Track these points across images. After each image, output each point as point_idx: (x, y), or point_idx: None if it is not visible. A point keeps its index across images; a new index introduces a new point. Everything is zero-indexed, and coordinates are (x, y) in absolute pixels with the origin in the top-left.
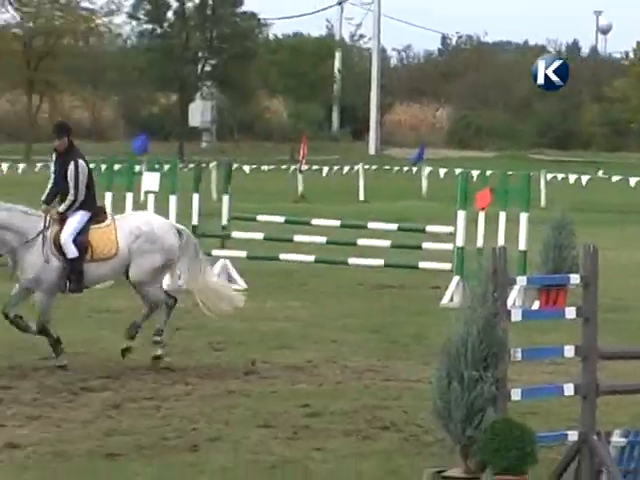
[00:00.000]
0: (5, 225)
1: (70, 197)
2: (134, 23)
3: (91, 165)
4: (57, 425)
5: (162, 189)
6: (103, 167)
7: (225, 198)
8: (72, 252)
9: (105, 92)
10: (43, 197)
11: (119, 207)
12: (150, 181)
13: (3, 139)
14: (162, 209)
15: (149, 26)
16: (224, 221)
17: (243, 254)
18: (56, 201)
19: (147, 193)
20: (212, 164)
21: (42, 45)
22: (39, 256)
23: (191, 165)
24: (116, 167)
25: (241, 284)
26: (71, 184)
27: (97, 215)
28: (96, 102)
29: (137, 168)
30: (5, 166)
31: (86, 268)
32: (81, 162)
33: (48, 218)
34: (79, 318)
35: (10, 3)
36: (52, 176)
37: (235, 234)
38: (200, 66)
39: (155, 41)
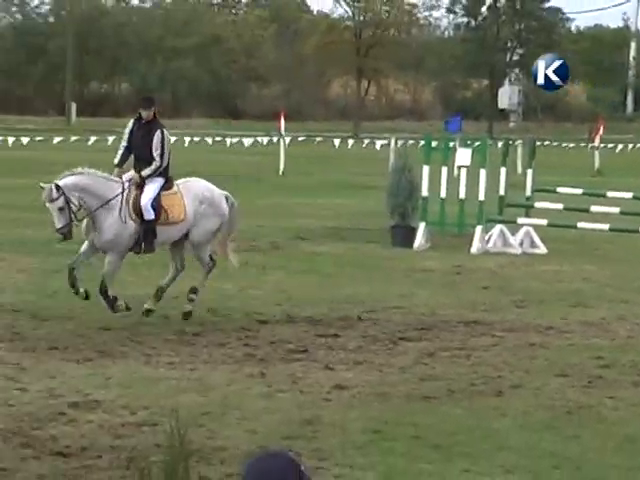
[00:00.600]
0: (87, 189)
1: (156, 163)
2: (451, 17)
3: (410, 142)
4: (378, 370)
5: (473, 163)
6: (421, 143)
7: (529, 172)
8: (150, 215)
9: (424, 78)
10: (116, 160)
11: (435, 179)
12: (463, 156)
13: (335, 117)
14: (472, 182)
15: (465, 19)
16: (528, 192)
17: (544, 222)
18: (125, 165)
19: (460, 167)
20: (518, 142)
21: (370, 36)
22: (117, 218)
23: (499, 143)
24: (433, 144)
25: (542, 249)
26: (157, 152)
27: (168, 182)
28: (416, 86)
29: (451, 145)
30: (337, 141)
31: (158, 231)
32: (166, 131)
33: (127, 182)
34: (397, 277)
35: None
36: (125, 141)
37: (538, 204)
38: (509, 55)
39: (469, 32)
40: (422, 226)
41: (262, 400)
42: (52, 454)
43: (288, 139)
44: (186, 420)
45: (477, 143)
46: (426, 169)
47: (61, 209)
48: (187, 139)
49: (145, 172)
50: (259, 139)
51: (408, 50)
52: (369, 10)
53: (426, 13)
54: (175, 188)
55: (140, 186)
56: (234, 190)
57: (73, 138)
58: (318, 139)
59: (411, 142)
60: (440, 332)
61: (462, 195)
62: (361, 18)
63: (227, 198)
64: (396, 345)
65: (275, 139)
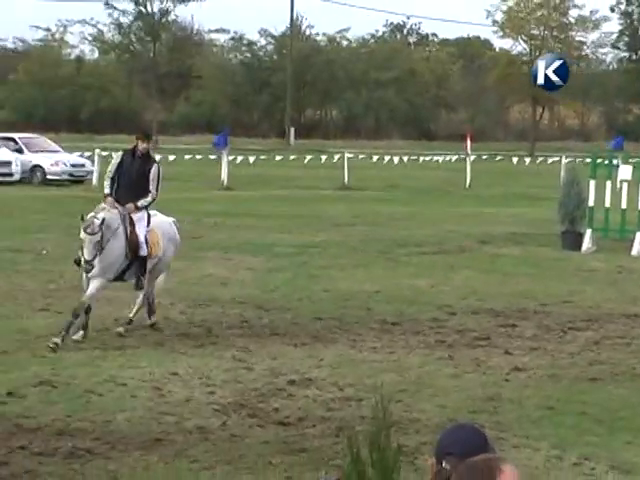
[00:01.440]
0: (106, 222)
1: (152, 195)
2: (615, 51)
3: (578, 159)
4: (551, 355)
5: (634, 178)
6: (588, 160)
7: None
8: (144, 251)
9: (591, 104)
10: (108, 190)
11: (600, 192)
12: (625, 171)
13: (513, 138)
14: (633, 193)
15: (627, 54)
16: None
17: None
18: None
19: (622, 181)
20: None
21: None
22: (121, 248)
23: None
24: (598, 161)
25: None
26: (154, 184)
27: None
28: (584, 112)
29: (615, 162)
30: (515, 159)
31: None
32: (160, 166)
33: (124, 212)
34: (567, 276)
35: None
36: (113, 172)
37: None
38: None
39: (631, 65)
40: (589, 232)
41: (450, 379)
42: (274, 423)
43: (473, 157)
44: (386, 396)
45: (637, 160)
46: (592, 183)
47: (96, 242)
48: (387, 157)
49: (141, 203)
50: (448, 157)
51: (577, 80)
52: (544, 47)
53: (594, 50)
54: (151, 225)
55: (131, 218)
56: (428, 201)
57: (291, 157)
58: (499, 157)
59: (579, 160)
60: (604, 323)
61: (624, 205)
62: (536, 54)
63: (175, 224)
64: (566, 334)
65: (462, 157)
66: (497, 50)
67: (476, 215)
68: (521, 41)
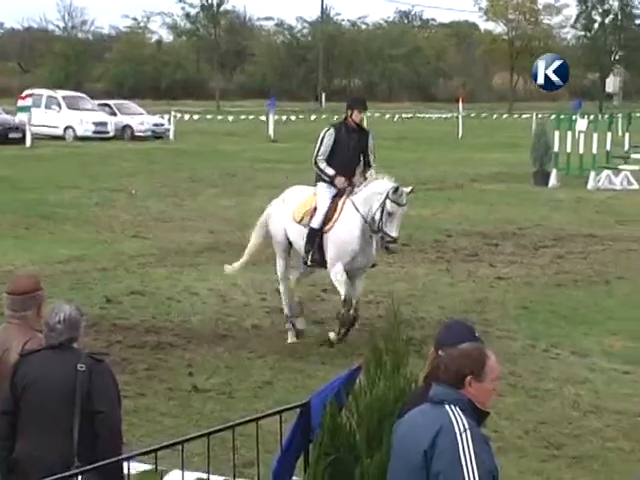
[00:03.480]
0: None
1: (374, 168)
2: (574, 31)
3: (546, 116)
4: (526, 267)
5: (588, 129)
6: (553, 116)
7: (627, 135)
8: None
9: None
10: (332, 171)
11: (563, 140)
12: (582, 125)
13: (496, 100)
14: (588, 141)
15: (582, 33)
16: (626, 148)
17: (638, 168)
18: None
19: (579, 132)
20: (619, 115)
21: (519, 45)
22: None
23: (606, 115)
24: (561, 116)
25: (636, 186)
26: (372, 156)
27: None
28: None
29: (574, 117)
30: (495, 116)
31: None
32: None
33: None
34: (538, 205)
35: None
36: (329, 147)
37: (633, 156)
38: (612, 56)
39: (587, 41)
40: (554, 171)
41: (448, 287)
42: (312, 322)
43: (464, 114)
44: (398, 300)
45: (592, 116)
46: (557, 133)
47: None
48: (397, 116)
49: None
50: (445, 115)
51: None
52: (519, 29)
53: (557, 30)
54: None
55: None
56: (430, 149)
57: (323, 116)
58: (484, 114)
59: (546, 116)
60: (567, 242)
61: (581, 150)
62: (513, 34)
63: None
64: (537, 250)
65: (456, 115)
66: (482, 31)
67: (467, 159)
68: (501, 24)
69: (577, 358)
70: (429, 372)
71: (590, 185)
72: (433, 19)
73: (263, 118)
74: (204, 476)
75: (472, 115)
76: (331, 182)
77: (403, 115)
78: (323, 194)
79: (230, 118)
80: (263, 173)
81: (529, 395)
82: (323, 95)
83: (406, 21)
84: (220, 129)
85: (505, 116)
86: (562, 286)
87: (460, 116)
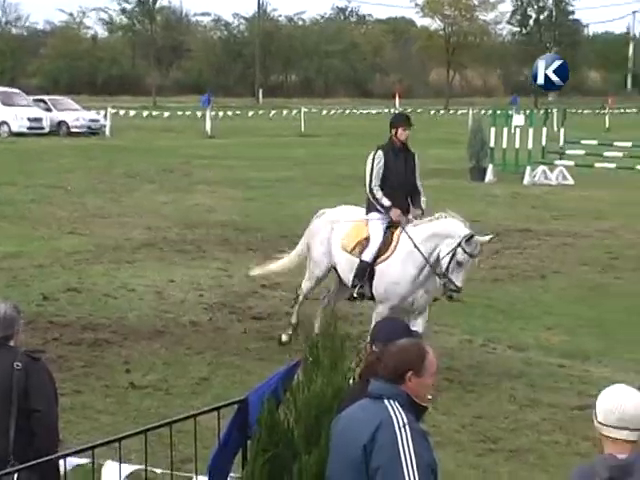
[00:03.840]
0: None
1: (422, 192)
2: (510, 27)
3: (482, 111)
4: None
5: (525, 125)
6: (490, 112)
7: (562, 130)
8: None
9: (492, 68)
10: (389, 202)
11: (499, 136)
12: (518, 120)
13: (432, 95)
14: (524, 137)
15: (518, 29)
16: (561, 143)
17: (572, 163)
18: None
19: (516, 127)
20: (554, 110)
21: (455, 41)
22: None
23: (542, 111)
24: (497, 112)
25: (571, 181)
26: (419, 181)
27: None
28: (487, 74)
29: (510, 112)
30: (433, 112)
31: None
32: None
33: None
34: (475, 200)
35: None
36: (381, 171)
37: (568, 151)
38: (548, 52)
39: (522, 37)
40: (490, 167)
41: None
42: (250, 318)
43: (400, 110)
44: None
45: (527, 111)
46: (493, 129)
47: None
48: (333, 111)
49: (423, 205)
50: (382, 111)
51: (480, 50)
52: (455, 24)
53: (493, 26)
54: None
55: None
56: (367, 144)
57: (260, 112)
58: (420, 110)
59: (483, 112)
60: (503, 237)
61: (517, 145)
62: (449, 30)
63: None
64: None
65: (393, 111)
66: (419, 27)
67: None
68: (437, 20)
69: (514, 352)
70: (365, 368)
71: (526, 180)
72: (370, 15)
73: (200, 114)
74: (142, 467)
75: (409, 111)
76: (385, 212)
77: (339, 110)
78: (376, 224)
79: (166, 114)
80: (200, 169)
81: (466, 390)
82: (260, 91)
83: (343, 17)
84: (156, 125)
85: (442, 112)
86: (499, 281)
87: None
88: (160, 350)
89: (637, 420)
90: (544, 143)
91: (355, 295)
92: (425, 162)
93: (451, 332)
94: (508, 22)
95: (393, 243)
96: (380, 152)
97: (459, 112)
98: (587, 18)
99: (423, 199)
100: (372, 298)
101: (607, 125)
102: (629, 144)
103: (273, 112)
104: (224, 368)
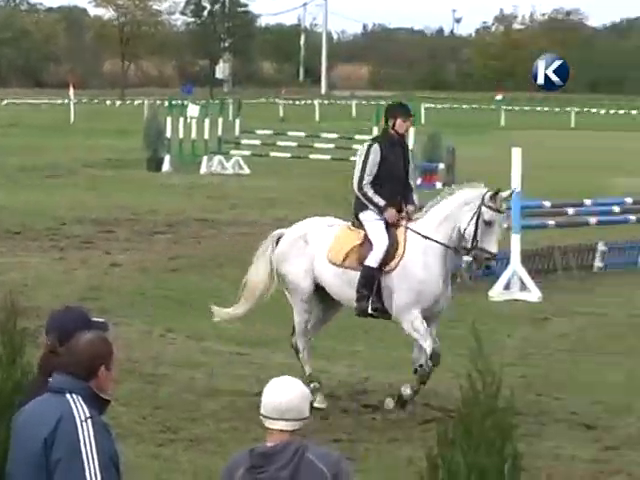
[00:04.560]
0: None
1: (414, 189)
2: (184, 18)
3: (158, 101)
4: (141, 253)
5: (200, 115)
6: (166, 103)
7: (237, 120)
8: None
9: (167, 59)
10: (382, 200)
11: (175, 126)
12: (193, 110)
13: (108, 86)
14: (200, 127)
15: (192, 19)
16: (237, 133)
17: (248, 153)
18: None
19: (191, 118)
20: (229, 100)
21: (129, 31)
22: None
23: (217, 101)
24: (173, 102)
25: (247, 170)
26: (413, 175)
27: None
28: (162, 64)
29: (185, 103)
30: (109, 102)
31: None
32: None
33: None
34: (152, 191)
35: None
36: (376, 167)
37: (244, 141)
38: (222, 43)
39: (196, 28)
40: (167, 157)
41: (63, 275)
42: None
43: (75, 101)
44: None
45: (202, 102)
46: (169, 119)
47: None
48: (5, 101)
49: (416, 202)
50: (57, 101)
51: (155, 40)
52: (128, 14)
53: (167, 16)
54: None
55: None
56: (44, 135)
57: None
58: (95, 101)
59: (159, 102)
60: (181, 227)
61: (194, 136)
62: (122, 19)
63: None
64: (152, 236)
65: (67, 101)
66: (92, 16)
67: (80, 146)
68: (111, 9)
69: (192, 342)
70: (41, 360)
71: (203, 170)
72: (41, 4)
73: None
74: None
75: (84, 101)
76: (378, 212)
77: (11, 101)
78: (375, 225)
79: None
80: None
81: (146, 381)
82: None
83: (13, 4)
84: None
85: (118, 103)
86: (177, 271)
87: (72, 102)
88: None
89: (292, 412)
90: (220, 133)
91: (370, 311)
92: (101, 152)
93: (130, 323)
94: (182, 12)
95: (401, 242)
96: (376, 146)
97: (135, 102)
98: (259, 9)
99: (415, 196)
100: (386, 313)
101: (281, 115)
102: (302, 134)
103: None
104: None
